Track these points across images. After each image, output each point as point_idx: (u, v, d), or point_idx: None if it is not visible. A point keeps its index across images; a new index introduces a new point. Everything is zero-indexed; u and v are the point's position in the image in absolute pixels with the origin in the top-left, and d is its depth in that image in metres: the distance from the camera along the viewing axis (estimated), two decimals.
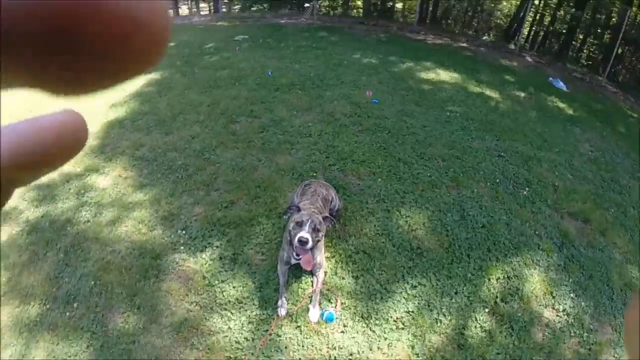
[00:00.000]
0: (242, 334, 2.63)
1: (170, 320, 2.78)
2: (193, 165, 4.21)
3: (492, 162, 4.65)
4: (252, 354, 2.53)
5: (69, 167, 4.54)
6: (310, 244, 2.54)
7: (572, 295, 3.28)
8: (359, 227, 3.40)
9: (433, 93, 6.35)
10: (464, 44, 10.87)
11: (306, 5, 12.96)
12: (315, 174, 3.95)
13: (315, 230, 2.59)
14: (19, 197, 4.23)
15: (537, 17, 14.72)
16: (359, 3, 15.45)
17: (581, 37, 13.53)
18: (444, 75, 7.32)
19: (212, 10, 17.89)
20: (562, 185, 4.55)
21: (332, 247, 3.17)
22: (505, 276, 3.26)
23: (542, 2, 14.30)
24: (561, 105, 7.23)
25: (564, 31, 13.47)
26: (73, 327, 2.89)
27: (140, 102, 5.85)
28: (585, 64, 12.36)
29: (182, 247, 3.24)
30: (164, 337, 2.70)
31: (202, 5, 20.48)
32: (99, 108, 5.83)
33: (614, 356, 2.94)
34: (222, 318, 2.72)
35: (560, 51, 12.88)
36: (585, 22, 12.91)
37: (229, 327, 2.66)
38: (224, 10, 15.26)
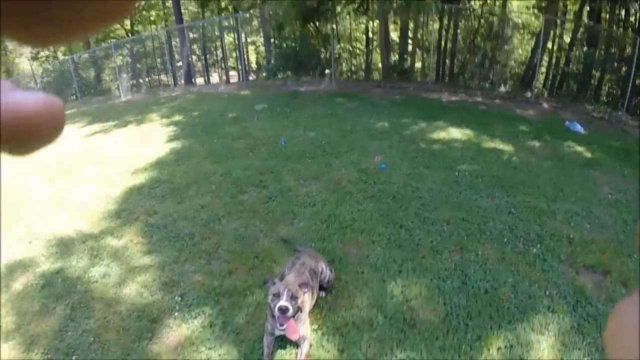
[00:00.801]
0: None
1: None
2: (198, 234, 4.51)
3: (500, 220, 4.61)
4: None
5: (87, 227, 4.96)
6: (290, 312, 2.71)
7: (585, 359, 3.08)
8: (351, 299, 3.51)
9: (443, 153, 6.53)
10: (479, 98, 11.16)
11: (326, 71, 13.72)
12: (313, 245, 4.17)
13: (293, 297, 2.75)
14: (37, 251, 4.64)
15: (553, 61, 15.02)
16: (380, 66, 16.23)
17: (598, 74, 13.41)
18: (456, 133, 7.52)
19: (241, 79, 19.10)
20: (578, 236, 4.38)
21: (321, 319, 3.29)
22: (508, 345, 3.14)
23: (556, 45, 14.63)
24: (578, 149, 7.19)
25: (579, 71, 13.52)
26: None
27: (159, 170, 6.33)
28: (605, 101, 12.20)
29: (177, 313, 3.46)
30: None
31: (232, 73, 21.86)
32: (122, 174, 6.34)
33: None
34: None
35: (577, 92, 12.94)
36: (599, 58, 12.91)
37: None
38: (253, 78, 16.21)
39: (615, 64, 12.72)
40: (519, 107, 10.37)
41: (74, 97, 17.94)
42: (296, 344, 3.02)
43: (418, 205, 4.92)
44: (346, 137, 7.21)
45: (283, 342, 3.09)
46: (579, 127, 8.56)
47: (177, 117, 9.53)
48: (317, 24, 12.97)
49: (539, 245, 4.23)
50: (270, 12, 14.40)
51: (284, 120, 8.41)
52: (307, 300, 2.98)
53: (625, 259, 4.08)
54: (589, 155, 6.97)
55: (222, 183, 5.59)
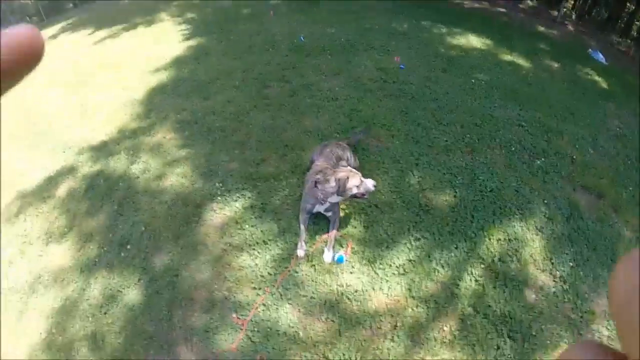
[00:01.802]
0: (266, 269, 3.24)
1: (207, 257, 3.43)
2: (229, 127, 4.82)
3: (510, 131, 4.82)
4: (273, 286, 3.14)
5: (118, 130, 5.30)
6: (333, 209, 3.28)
7: (571, 263, 3.49)
8: None
9: (461, 59, 6.55)
10: (503, 9, 10.77)
11: None
12: (337, 135, 4.46)
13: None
14: (73, 159, 5.03)
15: None
16: None
17: (632, 8, 12.89)
18: (475, 41, 7.45)
19: None
20: (580, 158, 4.62)
21: (348, 202, 3.67)
22: (506, 238, 3.57)
23: None
24: (596, 78, 7.16)
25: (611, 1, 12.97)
26: (126, 265, 3.61)
27: (179, 68, 6.51)
28: (634, 36, 11.92)
29: (219, 198, 3.88)
30: (202, 272, 3.36)
31: None
32: (142, 76, 6.55)
33: (607, 327, 3.14)
34: (250, 256, 3.35)
35: (607, 21, 12.48)
36: None
37: (256, 264, 3.29)
38: None
39: None
40: (543, 25, 10.01)
41: (71, 6, 17.60)
42: (328, 220, 3.43)
43: (434, 107, 5.10)
44: (365, 36, 7.15)
45: (315, 218, 3.52)
46: (601, 57, 8.37)
47: (189, 15, 9.43)
48: None
49: (543, 159, 4.49)
50: None
51: (300, 15, 8.29)
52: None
53: (621, 188, 4.37)
54: (605, 86, 6.92)
55: (245, 78, 5.77)
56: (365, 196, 3.23)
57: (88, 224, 4.13)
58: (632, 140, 5.29)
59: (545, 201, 3.99)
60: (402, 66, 6.00)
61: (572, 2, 13.88)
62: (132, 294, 3.40)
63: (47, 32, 11.56)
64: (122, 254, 3.71)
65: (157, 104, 5.67)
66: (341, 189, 3.14)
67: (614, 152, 4.96)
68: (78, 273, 3.73)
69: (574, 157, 4.63)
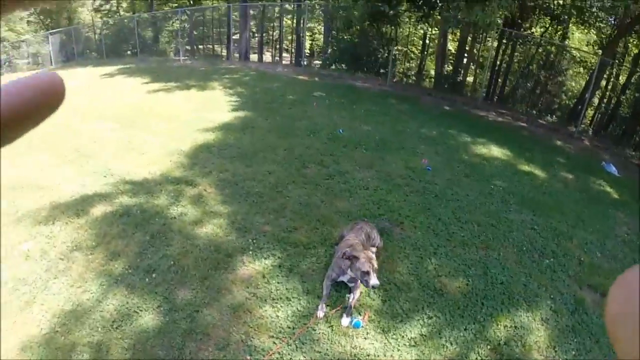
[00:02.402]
0: (285, 322, 3.57)
1: (230, 301, 3.77)
2: (267, 195, 5.36)
3: (523, 233, 5.34)
4: (291, 338, 3.47)
5: (162, 172, 5.83)
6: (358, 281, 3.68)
7: (574, 352, 3.78)
8: (394, 266, 4.33)
9: (482, 167, 7.30)
10: (524, 124, 11.76)
11: (382, 71, 14.52)
12: (365, 219, 4.95)
13: (374, 270, 3.65)
14: (113, 185, 5.51)
15: (604, 101, 15.41)
16: (432, 72, 16.92)
17: None
18: (496, 151, 8.26)
19: (294, 63, 20.00)
20: (588, 260, 5.06)
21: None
22: (513, 325, 3.92)
23: (610, 85, 15.00)
24: (608, 189, 7.78)
25: (628, 115, 13.93)
26: (148, 291, 3.89)
27: (226, 135, 7.22)
28: None
29: (250, 252, 4.30)
30: (222, 313, 3.68)
31: (284, 55, 22.83)
32: (190, 132, 7.24)
33: None
34: (272, 308, 3.69)
35: (622, 136, 13.38)
36: None
37: (277, 316, 3.63)
38: (305, 64, 17.06)
39: None
40: (561, 139, 10.98)
41: (129, 53, 19.11)
42: (349, 289, 3.84)
43: (455, 206, 5.71)
44: (398, 137, 8.01)
45: (339, 287, 3.91)
46: (613, 169, 9.04)
47: (238, 89, 10.45)
48: (379, 24, 13.71)
49: (552, 259, 4.98)
50: (340, 9, 15.11)
51: (341, 110, 9.23)
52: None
53: None
54: (616, 196, 7.56)
55: (287, 156, 6.44)
56: (366, 286, 3.67)
57: (117, 245, 4.45)
58: (638, 245, 5.74)
59: (552, 296, 4.36)
60: (428, 168, 6.69)
61: (590, 119, 14.92)
62: (148, 318, 3.64)
63: (104, 69, 12.64)
64: (147, 280, 4.01)
65: (201, 159, 6.27)
66: (354, 267, 3.63)
67: (621, 256, 5.37)
68: (97, 285, 3.94)
69: (582, 259, 5.07)
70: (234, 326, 3.58)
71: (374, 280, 3.56)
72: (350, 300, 3.76)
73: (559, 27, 16.52)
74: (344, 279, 3.79)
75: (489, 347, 3.70)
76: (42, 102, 0.25)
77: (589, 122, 15.07)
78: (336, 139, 7.34)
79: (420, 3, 12.64)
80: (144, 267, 4.18)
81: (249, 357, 3.36)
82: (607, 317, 0.22)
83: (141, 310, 3.72)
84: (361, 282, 3.66)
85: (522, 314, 4.09)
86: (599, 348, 3.92)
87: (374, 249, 4.17)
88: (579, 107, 13.80)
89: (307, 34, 20.63)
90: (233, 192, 5.39)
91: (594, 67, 13.01)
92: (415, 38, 18.74)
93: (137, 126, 7.61)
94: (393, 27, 14.37)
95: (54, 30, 19.71)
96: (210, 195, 5.33)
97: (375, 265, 3.67)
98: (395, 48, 14.62)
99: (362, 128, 8.20)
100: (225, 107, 8.85)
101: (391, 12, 12.04)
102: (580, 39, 17.00)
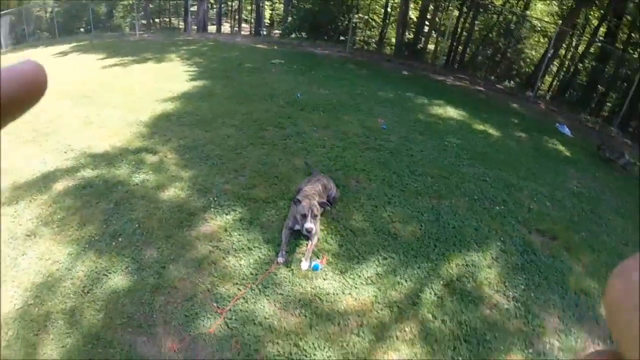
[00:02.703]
0: (248, 270, 3.79)
1: (195, 256, 3.95)
2: (226, 156, 5.49)
3: (475, 184, 5.64)
4: (254, 284, 3.69)
5: (122, 144, 5.87)
6: (314, 230, 3.82)
7: (523, 287, 4.07)
8: (350, 214, 4.58)
9: (437, 125, 7.61)
10: (482, 88, 12.13)
11: (342, 38, 14.59)
12: (323, 174, 5.16)
13: (314, 216, 3.84)
14: (74, 160, 5.54)
15: (563, 69, 16.00)
16: (393, 40, 17.09)
17: (602, 90, 14.60)
18: (452, 112, 8.59)
19: (253, 33, 19.81)
20: (537, 208, 5.39)
21: (326, 224, 4.33)
22: (464, 264, 4.22)
23: (569, 54, 15.60)
24: (560, 148, 8.20)
25: (584, 83, 14.67)
26: (116, 254, 4.00)
27: (185, 103, 7.26)
28: (606, 116, 13.38)
29: (212, 209, 4.47)
30: (188, 267, 3.84)
31: (243, 25, 22.53)
32: (148, 103, 7.25)
33: (557, 340, 3.68)
34: (235, 258, 3.89)
35: (578, 102, 14.02)
36: (607, 75, 14.08)
37: (240, 265, 3.83)
38: (264, 33, 16.94)
39: (619, 84, 13.81)
40: (517, 103, 11.39)
41: (83, 30, 18.55)
42: (307, 237, 4.06)
43: (409, 161, 5.97)
44: (355, 100, 8.22)
45: (297, 235, 4.13)
46: (567, 130, 9.46)
47: (196, 60, 10.39)
48: None
49: (502, 207, 5.28)
50: None
51: (299, 76, 9.34)
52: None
53: (574, 233, 5.12)
54: (568, 154, 7.97)
55: (245, 120, 6.55)
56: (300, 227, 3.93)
57: (82, 216, 4.52)
58: (588, 197, 6.12)
59: (502, 239, 4.68)
60: (384, 127, 6.93)
61: (548, 86, 15.46)
62: (118, 279, 3.78)
63: (57, 49, 12.32)
64: (113, 244, 4.12)
65: (161, 128, 6.33)
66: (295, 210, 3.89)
67: (570, 205, 5.75)
68: (65, 255, 4.02)
69: (532, 207, 5.41)
70: (199, 278, 3.76)
71: (308, 224, 3.77)
72: (309, 245, 3.98)
73: None
74: (302, 228, 4.00)
75: (442, 282, 3.98)
76: (25, 93, 0.25)
77: (547, 88, 15.58)
78: (294, 103, 7.48)
79: None
80: (110, 232, 4.28)
81: (215, 304, 3.56)
82: (606, 304, 0.22)
83: (110, 273, 3.84)
84: (299, 225, 3.87)
85: (473, 254, 4.37)
86: (548, 283, 4.22)
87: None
88: (537, 73, 14.21)
89: (267, 3, 20.42)
90: (193, 157, 5.50)
91: (552, 36, 13.39)
92: (377, 6, 18.77)
93: (95, 102, 7.54)
94: None
95: (3, 12, 18.91)
96: (171, 161, 5.43)
97: (316, 212, 3.86)
98: (356, 16, 14.65)
99: (319, 92, 8.35)
100: (183, 77, 8.84)
101: None
102: (542, 10, 17.33)
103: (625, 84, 13.69)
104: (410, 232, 4.52)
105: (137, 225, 4.33)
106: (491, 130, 8.08)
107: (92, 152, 5.73)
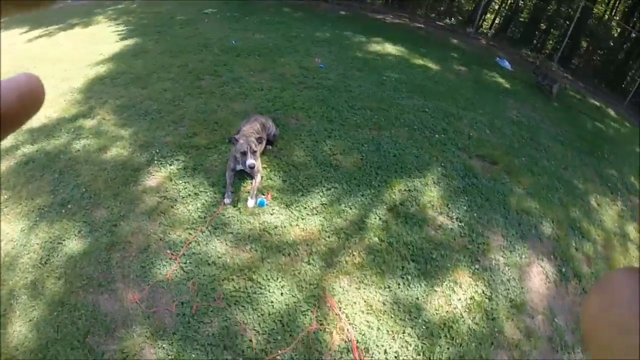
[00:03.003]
0: (197, 214, 3.90)
1: (144, 208, 4.02)
2: (165, 110, 5.44)
3: (414, 115, 5.82)
4: (203, 226, 3.82)
5: (58, 113, 5.73)
6: (256, 166, 3.92)
7: (465, 208, 4.34)
8: (291, 150, 4.70)
9: (375, 62, 7.66)
10: (421, 25, 12.13)
11: None
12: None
13: (253, 152, 3.91)
14: (12, 138, 5.38)
15: (504, 5, 16.12)
16: None
17: (543, 27, 14.95)
18: (391, 48, 8.64)
19: None
20: (477, 136, 5.62)
21: (269, 161, 4.44)
22: (407, 189, 4.43)
23: None
24: (500, 80, 8.42)
25: (525, 20, 14.92)
26: (67, 220, 4.03)
27: (117, 64, 7.04)
28: (548, 53, 13.76)
29: (155, 162, 4.50)
30: (139, 220, 3.93)
31: None
32: (80, 69, 7.01)
33: (502, 257, 4.00)
34: (183, 205, 3.99)
35: (519, 39, 14.27)
36: (548, 12, 14.33)
37: (188, 210, 3.94)
38: None
39: (561, 21, 14.01)
40: (458, 39, 11.46)
41: None
42: (251, 176, 4.17)
43: (348, 96, 6.05)
44: (291, 42, 8.14)
45: (241, 175, 4.24)
46: (507, 64, 9.67)
47: (125, 18, 9.96)
48: None
49: (442, 135, 5.50)
50: None
51: (233, 23, 9.12)
52: (259, 146, 4.11)
53: (514, 158, 5.41)
54: (508, 86, 8.20)
55: (180, 72, 6.44)
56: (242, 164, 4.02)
57: (29, 191, 4.47)
58: (527, 126, 6.41)
59: (443, 164, 4.91)
60: (321, 66, 6.95)
61: (490, 22, 15.61)
62: (72, 244, 3.83)
63: None
64: (63, 212, 4.13)
65: (96, 92, 6.16)
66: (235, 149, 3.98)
67: (509, 133, 6.02)
68: (18, 232, 4.02)
69: (471, 134, 5.65)
70: (151, 229, 3.85)
71: (249, 160, 3.87)
72: (253, 183, 4.10)
73: None
74: (242, 167, 4.10)
75: (385, 207, 4.20)
76: (22, 105, 0.25)
77: (489, 26, 15.62)
78: (229, 50, 7.36)
79: None
80: (59, 201, 4.26)
81: (169, 251, 3.67)
82: (585, 316, 0.22)
83: (64, 240, 3.88)
84: (241, 163, 3.97)
85: (415, 180, 4.57)
86: (490, 204, 4.49)
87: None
88: (478, 10, 14.23)
89: None
90: (131, 115, 5.43)
91: None
92: None
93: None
94: None
95: None
96: (110, 122, 5.35)
97: (254, 147, 3.94)
98: None
99: (255, 37, 8.22)
100: (113, 38, 8.48)
101: None
102: None
103: (567, 22, 13.95)
104: (351, 162, 4.67)
105: (84, 190, 4.34)
106: (430, 64, 8.19)
107: (29, 127, 5.54)
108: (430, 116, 5.88)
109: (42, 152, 5.02)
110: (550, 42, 15.00)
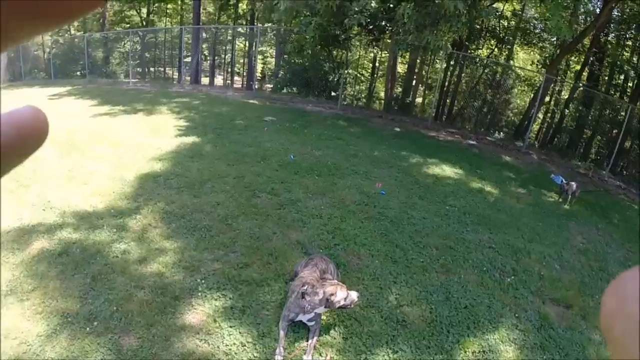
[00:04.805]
0: None
1: (180, 351, 3.39)
2: (216, 228, 5.00)
3: (482, 252, 5.30)
4: None
5: (105, 205, 5.34)
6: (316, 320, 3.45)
7: None
8: None
9: (436, 187, 7.29)
10: (473, 142, 11.91)
11: (333, 94, 14.47)
12: (321, 251, 4.70)
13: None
14: (52, 219, 4.98)
15: (548, 115, 16.11)
16: (382, 94, 17.01)
17: (589, 134, 14.70)
18: (449, 171, 8.32)
19: (245, 86, 19.70)
20: (548, 274, 5.12)
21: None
22: (481, 350, 3.79)
23: (553, 101, 15.72)
24: (559, 201, 7.98)
25: (572, 128, 14.70)
26: (91, 340, 3.43)
27: (174, 163, 6.79)
28: (592, 159, 13.31)
29: (199, 294, 3.92)
30: None
31: (235, 78, 22.50)
32: (135, 160, 6.78)
33: None
34: (226, 356, 3.34)
35: (567, 148, 14.01)
36: (592, 119, 14.10)
37: None
38: (256, 87, 16.77)
39: (608, 126, 13.91)
40: (510, 155, 11.24)
41: (79, 74, 18.19)
42: (307, 330, 3.56)
43: (412, 230, 5.58)
44: (350, 161, 7.87)
45: (295, 327, 3.62)
46: (561, 180, 9.15)
47: (187, 114, 10.02)
48: (330, 48, 13.66)
49: (513, 277, 4.97)
50: (292, 33, 14.93)
51: (291, 135, 9.00)
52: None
53: (587, 298, 4.87)
54: (567, 207, 7.74)
55: (236, 185, 6.09)
56: (351, 306, 3.49)
57: (55, 290, 3.96)
58: (594, 253, 5.89)
59: (517, 315, 4.30)
60: (382, 192, 6.55)
61: (535, 133, 15.46)
62: None
63: (51, 90, 11.92)
64: (88, 329, 3.55)
65: (147, 190, 5.83)
66: (329, 302, 3.34)
67: (579, 266, 5.48)
68: (34, 336, 3.47)
69: (542, 273, 5.11)
70: None
71: (353, 295, 3.49)
72: (310, 340, 3.47)
73: (504, 47, 17.11)
74: (303, 318, 3.51)
75: None
76: (24, 140, 0.23)
77: (534, 136, 15.66)
78: (287, 166, 7.07)
79: (371, 27, 12.63)
80: (85, 314, 3.70)
81: None
82: (602, 315, 0.21)
83: None
84: (341, 308, 3.51)
85: (489, 337, 3.98)
86: None
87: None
88: (525, 122, 14.31)
89: (259, 57, 20.43)
90: (180, 226, 4.99)
91: (538, 85, 13.55)
92: (365, 61, 18.86)
93: (81, 153, 7.04)
94: (344, 51, 14.35)
95: None
96: (156, 230, 4.91)
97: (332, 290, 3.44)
98: (346, 71, 14.60)
99: (313, 153, 7.99)
100: (172, 132, 8.41)
101: (343, 36, 11.96)
102: (524, 59, 17.67)
103: (608, 126, 13.92)
104: (419, 316, 4.06)
105: (115, 308, 3.77)
106: (489, 188, 7.84)
107: (72, 211, 5.20)
108: (498, 254, 5.37)
109: (79, 247, 4.57)
110: (596, 148, 14.64)
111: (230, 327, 3.59)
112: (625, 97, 14.89)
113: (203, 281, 4.09)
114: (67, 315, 3.69)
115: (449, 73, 16.20)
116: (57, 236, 4.72)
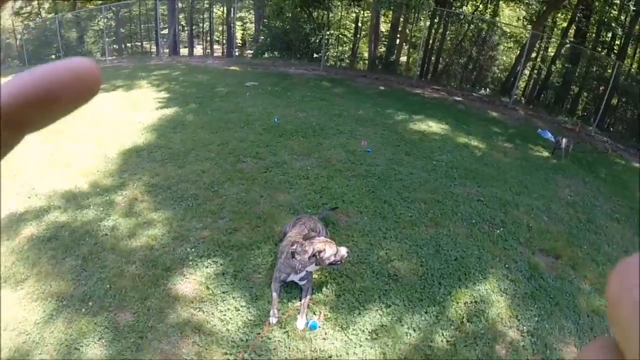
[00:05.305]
0: (237, 335, 3.20)
1: (176, 321, 3.35)
2: (202, 196, 4.90)
3: (470, 206, 5.27)
4: (246, 352, 3.11)
5: (89, 184, 5.21)
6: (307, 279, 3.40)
7: (536, 318, 3.73)
8: None
9: (422, 143, 7.19)
10: (459, 98, 11.81)
11: (315, 56, 14.14)
12: (309, 211, 4.63)
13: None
14: (40, 204, 4.86)
15: (534, 72, 15.90)
16: (365, 55, 16.70)
17: (575, 90, 14.60)
18: (435, 127, 8.22)
19: (225, 54, 19.20)
20: (536, 226, 5.10)
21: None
22: (473, 301, 3.79)
23: (539, 57, 15.48)
24: (546, 154, 7.96)
25: (558, 85, 14.60)
26: (87, 322, 3.38)
27: (156, 136, 6.62)
28: (580, 115, 13.31)
29: (190, 263, 3.86)
30: (169, 335, 3.25)
31: (215, 47, 21.91)
32: (117, 136, 6.59)
33: None
34: (221, 322, 3.31)
35: (554, 104, 13.92)
36: (579, 75, 14.01)
37: (227, 329, 3.24)
38: (237, 54, 16.35)
39: (595, 83, 13.77)
40: (496, 111, 11.14)
41: (53, 57, 17.59)
42: (300, 289, 3.52)
43: (399, 186, 5.51)
44: (334, 121, 7.72)
45: (287, 287, 3.58)
46: (549, 135, 9.21)
47: (167, 86, 9.75)
48: (310, 9, 13.25)
49: (502, 229, 4.94)
50: None
51: (274, 99, 8.80)
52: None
53: (576, 248, 4.87)
54: (554, 161, 7.71)
55: (220, 152, 5.96)
56: (341, 262, 3.44)
57: (47, 275, 3.88)
58: (582, 206, 5.91)
59: (507, 265, 4.31)
60: (369, 150, 6.45)
61: (522, 90, 15.31)
62: (91, 353, 3.17)
63: None
64: (83, 310, 3.49)
65: (131, 165, 5.69)
66: (319, 259, 3.28)
67: (567, 218, 5.49)
68: (32, 324, 3.41)
69: (530, 224, 5.10)
70: (183, 348, 3.17)
71: (343, 251, 3.45)
72: (303, 299, 3.44)
73: (489, 4, 16.69)
74: (295, 278, 3.47)
75: (452, 327, 3.54)
76: (72, 87, 0.23)
77: (521, 92, 15.51)
78: (271, 129, 6.92)
79: None
80: (79, 295, 3.64)
81: None
82: (609, 301, 0.21)
83: (82, 346, 3.22)
84: (331, 265, 3.46)
85: (480, 288, 3.97)
86: (559, 310, 3.90)
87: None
88: (512, 79, 14.10)
89: (238, 23, 19.83)
90: (166, 198, 4.89)
91: (524, 41, 13.31)
92: (347, 21, 18.38)
93: (61, 135, 6.82)
94: (325, 12, 13.91)
95: None
96: (142, 203, 4.81)
97: (320, 246, 3.38)
98: (328, 32, 14.21)
99: (297, 115, 7.82)
100: (153, 105, 8.18)
101: None
102: (510, 15, 17.25)
103: (595, 83, 13.80)
104: (411, 270, 4.03)
105: (108, 286, 3.70)
106: (475, 142, 7.77)
107: (58, 194, 5.06)
108: (486, 207, 5.33)
109: (68, 229, 4.46)
110: (581, 104, 14.59)
111: (223, 292, 3.54)
112: (612, 55, 14.63)
113: (193, 250, 4.02)
114: (62, 299, 3.62)
115: (433, 31, 15.74)
116: (45, 221, 4.60)
